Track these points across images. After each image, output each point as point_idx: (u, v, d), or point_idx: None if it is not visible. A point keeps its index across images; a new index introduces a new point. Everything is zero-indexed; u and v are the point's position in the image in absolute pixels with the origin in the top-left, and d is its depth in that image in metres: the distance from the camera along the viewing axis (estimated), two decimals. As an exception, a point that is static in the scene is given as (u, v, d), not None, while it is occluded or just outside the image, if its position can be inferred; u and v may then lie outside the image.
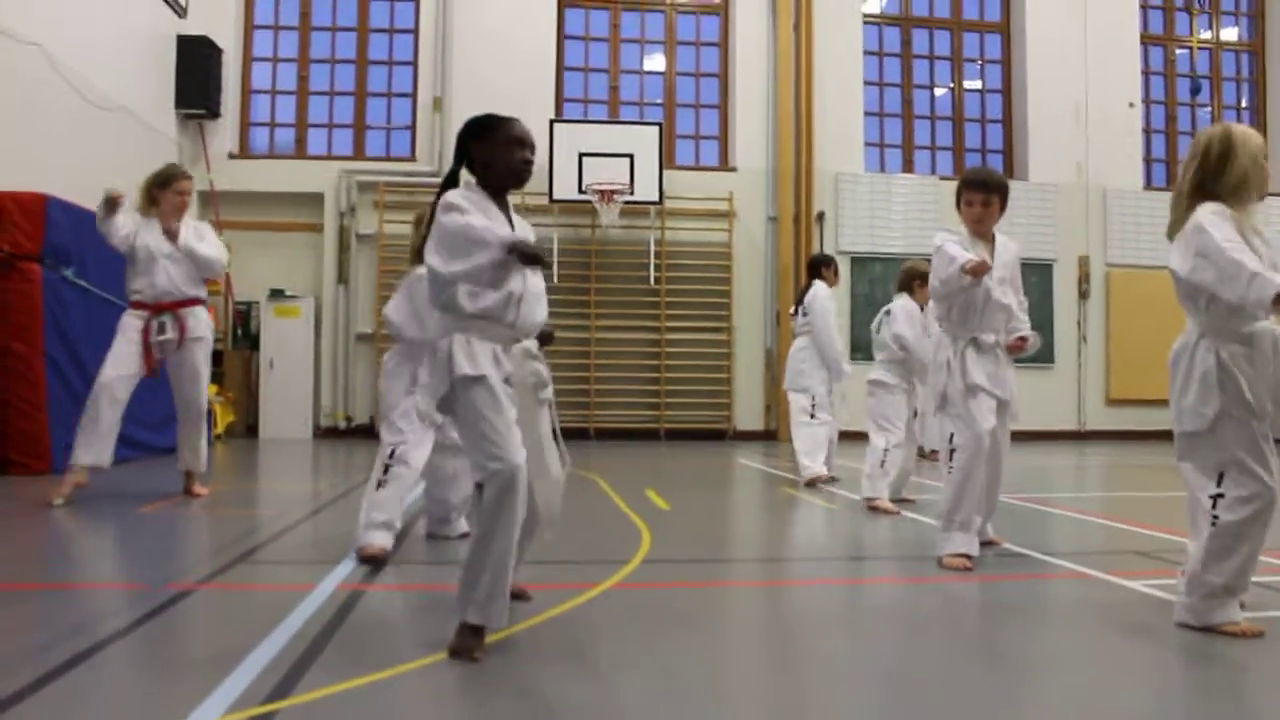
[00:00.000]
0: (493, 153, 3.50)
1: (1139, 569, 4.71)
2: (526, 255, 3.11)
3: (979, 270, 4.73)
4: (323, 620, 3.53)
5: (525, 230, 3.53)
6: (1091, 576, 4.56)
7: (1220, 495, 3.48)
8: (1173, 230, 3.63)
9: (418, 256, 3.91)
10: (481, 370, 3.30)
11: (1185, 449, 3.61)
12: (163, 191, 6.91)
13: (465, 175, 3.50)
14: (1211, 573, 3.49)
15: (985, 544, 5.20)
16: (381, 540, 4.74)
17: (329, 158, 15.29)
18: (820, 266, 9.05)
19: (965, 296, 4.93)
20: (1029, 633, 3.69)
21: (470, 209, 3.30)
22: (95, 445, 6.70)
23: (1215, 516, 3.48)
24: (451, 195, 3.36)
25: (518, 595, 3.85)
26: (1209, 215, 3.47)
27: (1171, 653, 3.39)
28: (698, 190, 15.45)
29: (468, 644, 3.14)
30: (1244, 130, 3.63)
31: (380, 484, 4.87)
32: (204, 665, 3.00)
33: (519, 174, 3.51)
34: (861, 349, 15.82)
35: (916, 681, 3.05)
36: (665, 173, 14.78)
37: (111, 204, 6.70)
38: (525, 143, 3.52)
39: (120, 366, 6.84)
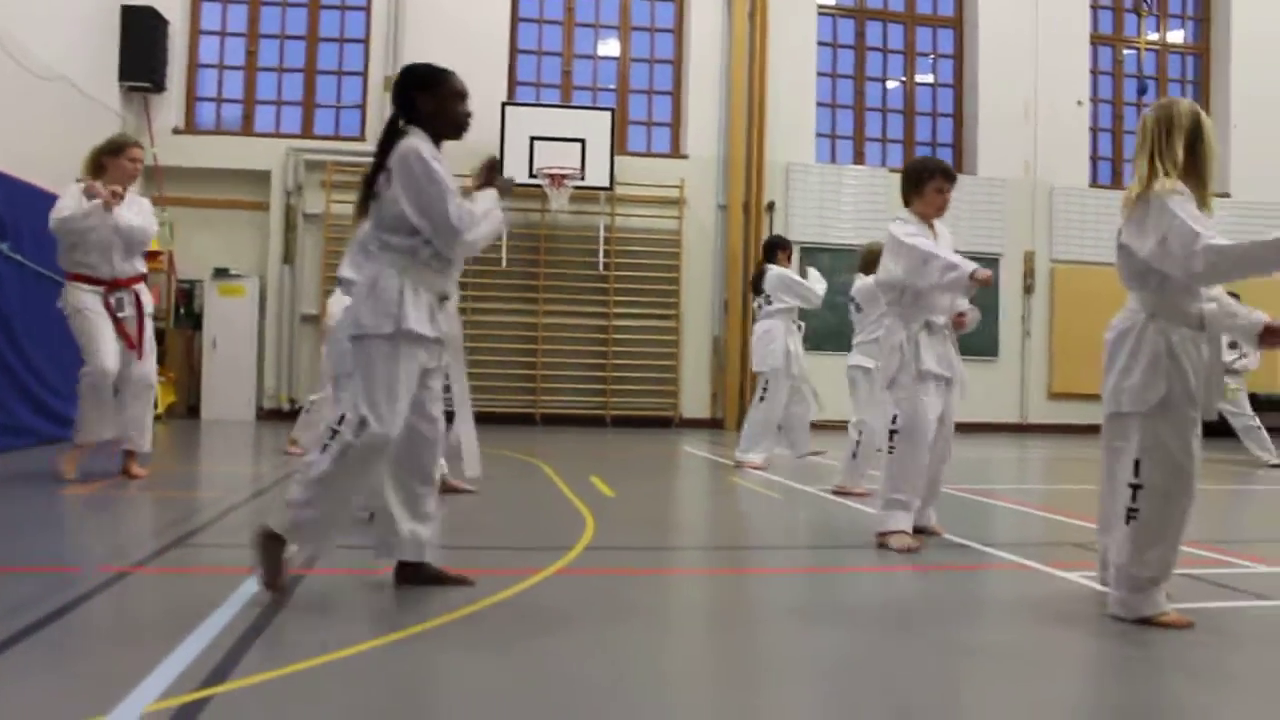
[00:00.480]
0: (441, 105, 3.67)
1: (1076, 560, 4.77)
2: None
3: (988, 281, 4.84)
4: (261, 604, 3.48)
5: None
6: (1030, 568, 4.62)
7: (1139, 486, 3.50)
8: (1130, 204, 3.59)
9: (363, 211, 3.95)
10: (424, 331, 3.46)
11: (1115, 431, 3.60)
12: (114, 159, 6.70)
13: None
14: (1135, 565, 3.52)
15: (926, 532, 5.26)
16: None
17: (277, 135, 15.05)
18: (775, 249, 9.34)
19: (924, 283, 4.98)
20: (969, 623, 3.73)
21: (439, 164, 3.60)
22: (105, 421, 6.62)
23: (1134, 510, 3.50)
24: (421, 148, 3.58)
25: (459, 580, 3.83)
26: (1173, 196, 3.47)
27: (1108, 643, 3.44)
28: (649, 177, 15.43)
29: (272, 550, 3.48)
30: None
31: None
32: (138, 650, 2.94)
33: (463, 126, 3.82)
34: (809, 339, 15.93)
35: (856, 670, 3.08)
36: (616, 158, 14.73)
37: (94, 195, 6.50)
38: (466, 95, 3.79)
39: (110, 354, 6.59)
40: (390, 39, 14.90)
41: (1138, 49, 17.80)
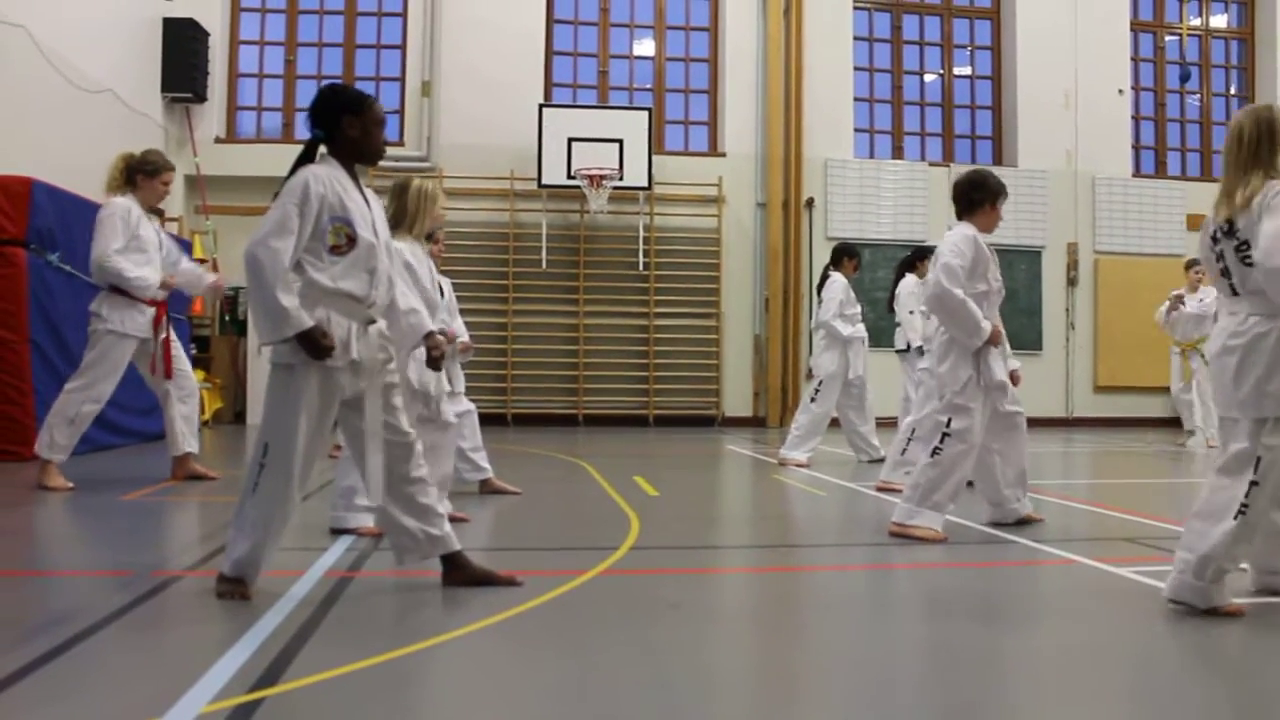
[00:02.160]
0: (366, 130, 3.66)
1: (1127, 555, 4.72)
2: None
3: (995, 340, 5.21)
4: (311, 606, 3.51)
5: (376, 205, 3.78)
6: (1078, 562, 4.57)
7: (1256, 483, 3.48)
8: (1243, 207, 3.56)
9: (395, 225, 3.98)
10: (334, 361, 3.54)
11: (1252, 431, 3.54)
12: (149, 180, 6.80)
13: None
14: (1227, 559, 3.51)
15: (1028, 521, 5.54)
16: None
17: (316, 142, 15.19)
18: (843, 256, 9.71)
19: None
20: (1024, 619, 3.69)
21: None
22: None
23: (1245, 506, 3.48)
24: (321, 173, 3.58)
25: (507, 581, 3.84)
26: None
27: (1180, 638, 3.40)
28: (687, 176, 15.42)
29: (230, 589, 3.61)
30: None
31: None
32: (191, 652, 2.98)
33: (380, 154, 3.79)
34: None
35: (904, 669, 3.05)
36: (654, 158, 14.74)
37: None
38: (384, 124, 3.80)
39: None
40: (427, 45, 15.00)
41: (1180, 35, 17.53)
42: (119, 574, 4.04)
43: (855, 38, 16.34)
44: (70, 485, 6.53)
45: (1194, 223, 16.54)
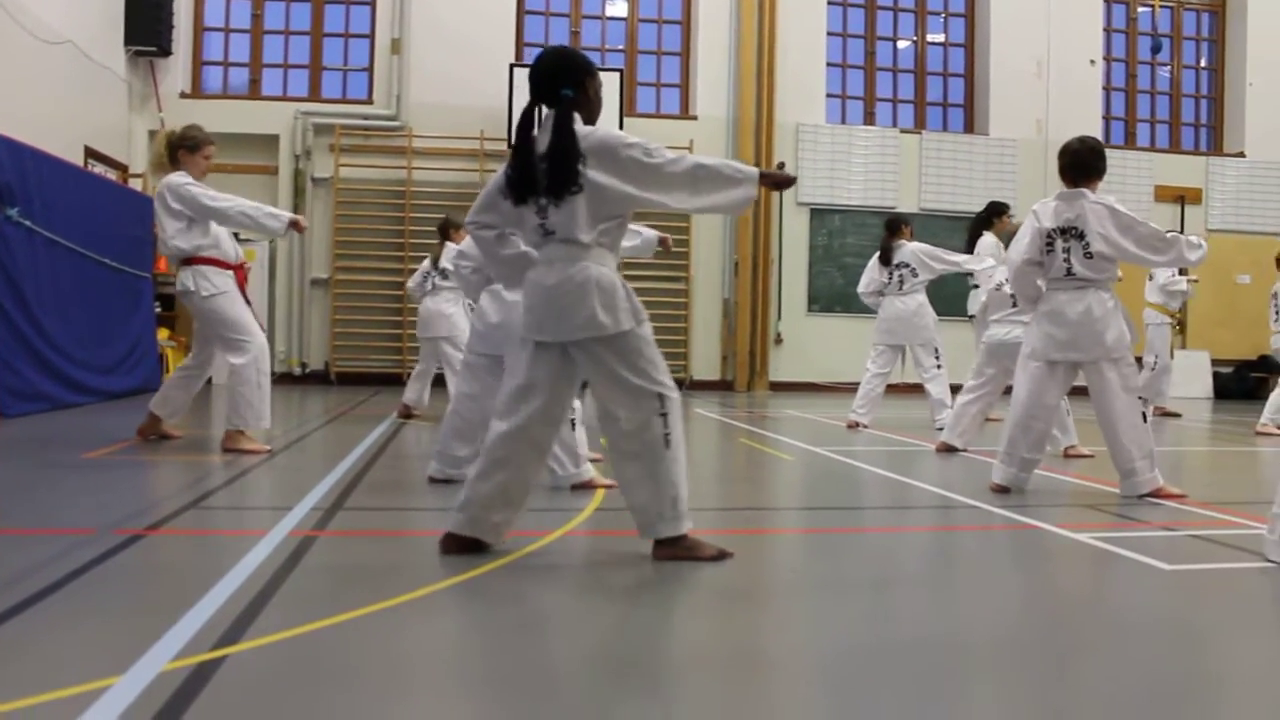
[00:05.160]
0: (599, 92, 3.79)
1: (1090, 521, 4.78)
2: None
3: None
4: (275, 566, 3.50)
5: None
6: (1039, 528, 4.62)
7: None
8: None
9: None
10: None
11: None
12: (190, 156, 6.74)
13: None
14: None
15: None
16: None
17: (284, 99, 15.01)
18: (900, 225, 9.43)
19: None
20: (977, 584, 3.74)
21: None
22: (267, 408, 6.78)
23: None
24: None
25: (461, 543, 3.81)
26: None
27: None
28: (658, 138, 15.02)
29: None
30: None
31: None
32: (152, 611, 2.96)
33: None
34: (818, 300, 15.91)
35: (853, 626, 3.08)
36: (625, 120, 14.64)
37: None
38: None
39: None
40: (397, 2, 14.81)
41: (1152, 6, 17.58)
42: (79, 532, 4.00)
43: (829, 2, 16.28)
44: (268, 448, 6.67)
45: (1162, 194, 16.67)
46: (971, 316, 9.65)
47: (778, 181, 3.84)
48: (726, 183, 3.62)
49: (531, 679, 2.53)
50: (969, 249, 8.79)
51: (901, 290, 9.15)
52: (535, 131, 3.67)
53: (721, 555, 3.74)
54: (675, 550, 3.70)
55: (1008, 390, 6.27)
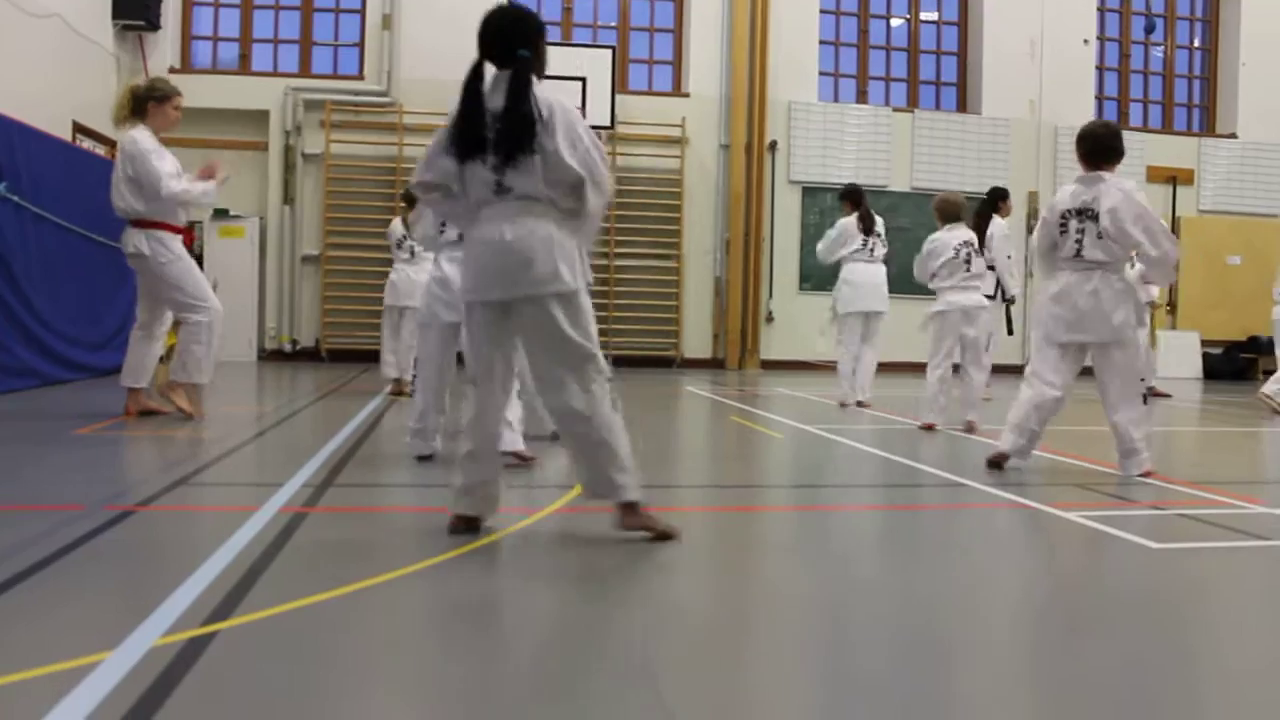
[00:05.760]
0: (546, 50, 3.73)
1: (1077, 500, 4.80)
2: None
3: None
4: (266, 542, 3.50)
5: None
6: (1030, 507, 4.64)
7: None
8: None
9: None
10: None
11: None
12: (159, 106, 6.72)
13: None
14: None
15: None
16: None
17: (274, 74, 14.92)
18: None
19: None
20: (975, 558, 3.76)
21: None
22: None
23: None
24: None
25: (469, 523, 3.81)
26: None
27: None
28: (650, 116, 15.30)
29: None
30: None
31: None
32: (143, 587, 2.97)
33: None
34: (810, 279, 15.90)
35: (843, 603, 3.10)
36: (618, 97, 14.59)
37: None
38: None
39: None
40: (388, -24, 14.70)
41: (1146, -15, 17.53)
42: (70, 508, 4.00)
43: (822, -21, 16.21)
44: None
45: (1154, 174, 16.67)
46: (990, 298, 9.32)
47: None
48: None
49: (515, 654, 2.54)
50: (979, 236, 8.58)
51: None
52: (485, 89, 3.58)
53: (670, 534, 3.70)
54: (636, 518, 3.67)
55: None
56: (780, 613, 3.04)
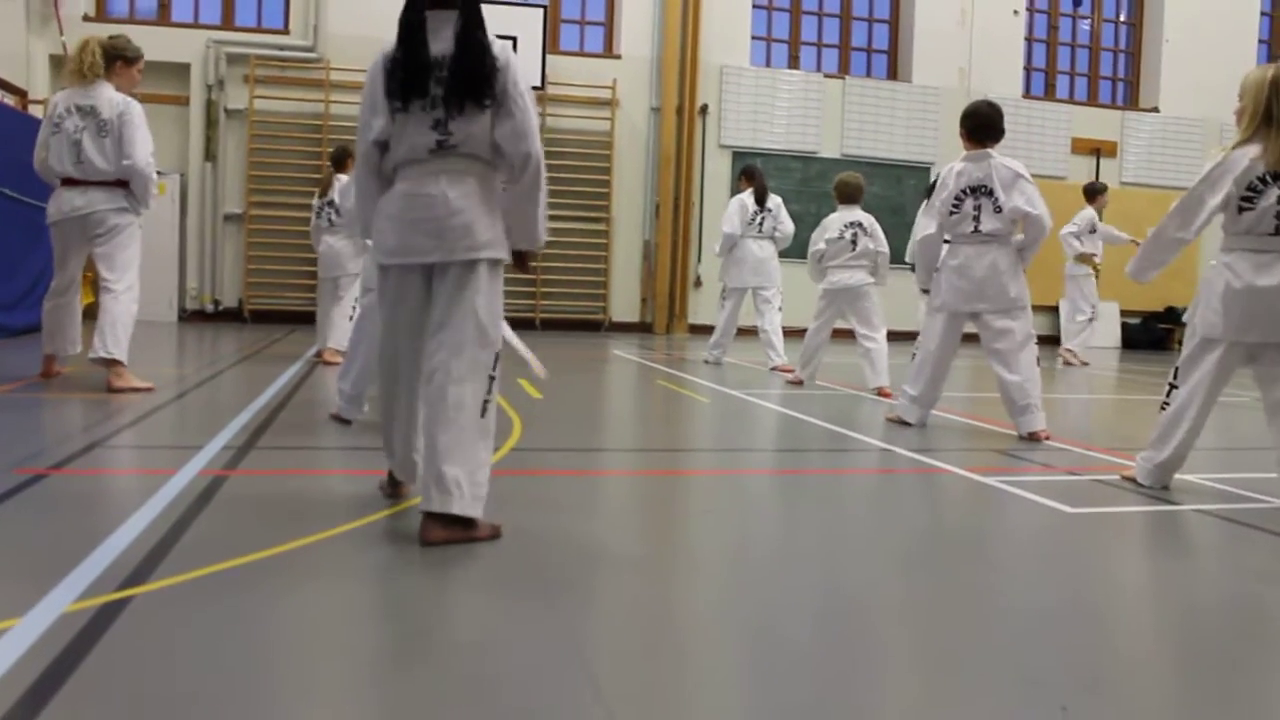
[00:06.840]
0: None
1: (995, 465, 4.90)
2: None
3: None
4: (184, 505, 3.44)
5: None
6: (950, 471, 4.72)
7: None
8: None
9: None
10: None
11: None
12: (128, 67, 6.53)
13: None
14: None
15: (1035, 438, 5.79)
16: None
17: (195, 26, 14.52)
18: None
19: None
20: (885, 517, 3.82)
21: None
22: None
23: None
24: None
25: (395, 487, 3.77)
26: None
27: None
28: (581, 77, 15.18)
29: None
30: None
31: None
32: (55, 551, 2.90)
33: None
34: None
35: (772, 565, 3.13)
36: (548, 57, 14.45)
37: None
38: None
39: None
40: (314, -73, 14.35)
41: (1074, -43, 17.74)
42: (-21, 470, 3.89)
43: (756, -57, 16.16)
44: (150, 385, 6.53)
45: (1079, 146, 16.94)
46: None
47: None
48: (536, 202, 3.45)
49: (436, 616, 2.53)
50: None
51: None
52: (426, 35, 3.20)
53: (496, 533, 3.25)
54: (452, 532, 3.14)
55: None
56: (702, 574, 3.07)
